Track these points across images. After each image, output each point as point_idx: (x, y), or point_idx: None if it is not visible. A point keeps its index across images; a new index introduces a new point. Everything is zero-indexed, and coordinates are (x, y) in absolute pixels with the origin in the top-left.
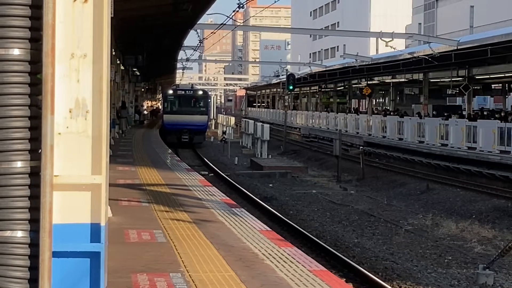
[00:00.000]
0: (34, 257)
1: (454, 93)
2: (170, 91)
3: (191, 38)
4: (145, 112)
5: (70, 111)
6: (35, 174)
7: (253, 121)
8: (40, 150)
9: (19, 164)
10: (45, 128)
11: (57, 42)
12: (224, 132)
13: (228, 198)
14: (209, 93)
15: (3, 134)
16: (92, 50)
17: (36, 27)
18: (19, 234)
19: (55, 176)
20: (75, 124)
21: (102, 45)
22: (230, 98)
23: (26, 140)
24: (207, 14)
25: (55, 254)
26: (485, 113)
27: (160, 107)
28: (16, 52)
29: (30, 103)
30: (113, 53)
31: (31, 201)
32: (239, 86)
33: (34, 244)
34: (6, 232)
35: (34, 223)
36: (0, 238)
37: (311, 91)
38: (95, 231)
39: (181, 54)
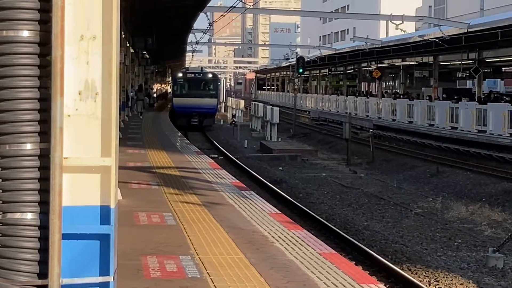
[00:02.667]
0: (43, 239)
1: (464, 76)
2: (180, 74)
3: (200, 21)
4: (155, 95)
5: (79, 93)
6: (44, 156)
7: (262, 104)
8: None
9: (28, 146)
10: (54, 110)
11: (66, 24)
12: (233, 115)
13: (237, 181)
14: (219, 76)
15: (12, 116)
16: (102, 32)
17: (45, 8)
18: (29, 216)
19: (64, 158)
20: (85, 106)
21: (111, 27)
22: (240, 81)
23: (35, 122)
24: None
25: (65, 236)
26: (492, 96)
27: (169, 90)
28: (25, 34)
29: (40, 85)
30: (123, 35)
31: (41, 183)
32: (248, 69)
33: (43, 226)
34: (16, 214)
35: (44, 205)
36: (9, 220)
37: (321, 74)
38: (104, 213)
39: (191, 37)
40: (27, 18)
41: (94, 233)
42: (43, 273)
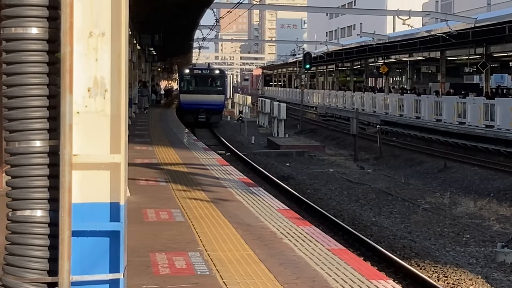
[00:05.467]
0: (53, 236)
1: (471, 71)
2: (187, 71)
3: (207, 17)
4: (162, 92)
5: (88, 90)
6: (54, 153)
7: (269, 100)
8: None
9: (38, 143)
10: (63, 107)
11: (75, 21)
12: (240, 112)
13: (245, 177)
14: (226, 72)
15: (22, 113)
16: (110, 28)
17: (54, 5)
18: (39, 213)
19: (74, 155)
20: (94, 103)
21: (120, 24)
22: (247, 77)
23: (44, 119)
24: None
25: (75, 233)
26: (504, 91)
27: (176, 86)
28: (34, 31)
29: (49, 82)
30: (130, 32)
31: (50, 180)
32: (255, 65)
33: (53, 223)
34: (26, 211)
35: (54, 202)
36: (19, 217)
37: (327, 70)
38: (114, 210)
39: (197, 34)
40: (36, 15)
41: (104, 230)
42: (53, 270)
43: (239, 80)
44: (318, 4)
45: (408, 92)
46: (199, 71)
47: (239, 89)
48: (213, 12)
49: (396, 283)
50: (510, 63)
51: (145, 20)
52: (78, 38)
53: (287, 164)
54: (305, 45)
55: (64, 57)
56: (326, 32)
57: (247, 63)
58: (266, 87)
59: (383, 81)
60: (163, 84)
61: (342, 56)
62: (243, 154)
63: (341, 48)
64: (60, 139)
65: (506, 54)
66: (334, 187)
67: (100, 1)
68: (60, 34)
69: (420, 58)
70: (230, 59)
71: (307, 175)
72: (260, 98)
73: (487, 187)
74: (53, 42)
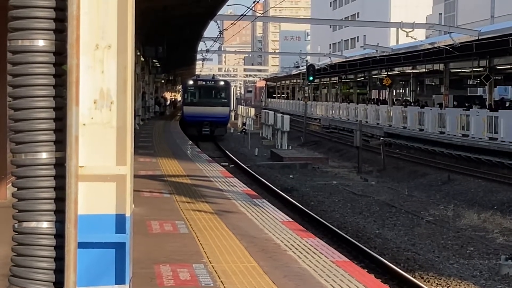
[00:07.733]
0: (59, 247)
1: (475, 83)
2: (191, 82)
3: (211, 29)
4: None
5: (94, 102)
6: (60, 165)
7: (273, 112)
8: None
9: (44, 155)
10: (70, 119)
11: (81, 33)
12: (244, 123)
13: (249, 189)
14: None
15: (28, 125)
16: (117, 41)
17: (61, 18)
18: (45, 225)
19: (80, 167)
20: (100, 115)
21: (126, 36)
22: (250, 89)
23: (51, 131)
24: (227, 5)
25: (81, 245)
26: (507, 104)
27: (179, 98)
28: (41, 43)
29: (55, 94)
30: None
31: (57, 192)
32: (259, 77)
33: (59, 235)
34: (32, 223)
35: (60, 214)
36: (26, 228)
37: (331, 82)
38: (120, 222)
39: (201, 45)
40: (43, 28)
41: (110, 242)
42: (59, 282)
43: (242, 92)
44: (321, 16)
45: (412, 104)
46: (203, 83)
47: (242, 101)
48: (217, 24)
49: None
50: None
51: (149, 32)
52: (85, 50)
53: (291, 176)
54: (308, 57)
55: (71, 69)
56: (330, 44)
57: (250, 75)
58: (269, 99)
59: (387, 93)
60: (165, 95)
61: (345, 68)
62: (246, 166)
63: (344, 60)
64: (66, 150)
65: (509, 67)
66: (337, 199)
67: (107, 13)
68: (67, 47)
69: (423, 70)
70: (233, 71)
71: (311, 187)
72: (264, 110)
73: (490, 199)
74: (60, 55)
